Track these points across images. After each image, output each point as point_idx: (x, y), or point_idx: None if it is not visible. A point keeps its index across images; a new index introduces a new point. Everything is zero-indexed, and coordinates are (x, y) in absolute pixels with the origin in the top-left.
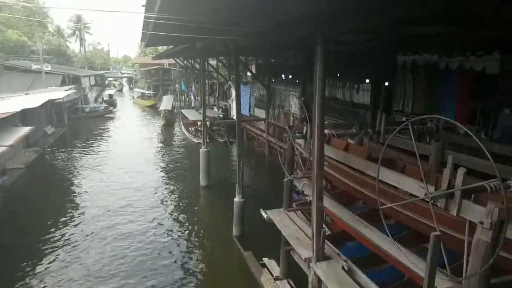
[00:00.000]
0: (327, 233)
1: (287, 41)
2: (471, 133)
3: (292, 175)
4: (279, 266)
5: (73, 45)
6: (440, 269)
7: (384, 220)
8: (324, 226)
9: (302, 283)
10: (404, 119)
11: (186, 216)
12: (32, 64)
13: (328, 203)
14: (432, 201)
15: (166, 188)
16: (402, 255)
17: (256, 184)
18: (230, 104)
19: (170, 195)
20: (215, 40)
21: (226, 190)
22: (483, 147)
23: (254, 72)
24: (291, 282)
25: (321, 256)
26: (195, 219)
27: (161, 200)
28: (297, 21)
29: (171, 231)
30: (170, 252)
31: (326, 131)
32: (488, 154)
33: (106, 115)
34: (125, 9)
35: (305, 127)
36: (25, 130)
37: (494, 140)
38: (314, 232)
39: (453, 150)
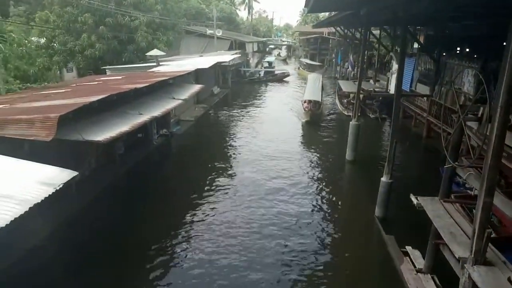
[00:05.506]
0: (491, 235)
1: (470, 7)
2: None
3: (456, 163)
4: (423, 258)
5: (242, 13)
6: None
7: None
8: (488, 226)
9: (450, 283)
10: None
11: (329, 187)
12: (207, 30)
13: (499, 201)
14: None
15: (312, 156)
16: None
17: (407, 166)
18: (389, 78)
19: (315, 164)
20: (382, 6)
21: (372, 168)
22: None
23: (422, 43)
24: (436, 279)
25: (481, 260)
26: (338, 191)
27: (307, 166)
28: None
29: (314, 198)
30: (310, 216)
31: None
32: None
33: (284, 79)
34: None
35: (481, 108)
36: (197, 88)
37: None
38: (476, 230)
39: None
